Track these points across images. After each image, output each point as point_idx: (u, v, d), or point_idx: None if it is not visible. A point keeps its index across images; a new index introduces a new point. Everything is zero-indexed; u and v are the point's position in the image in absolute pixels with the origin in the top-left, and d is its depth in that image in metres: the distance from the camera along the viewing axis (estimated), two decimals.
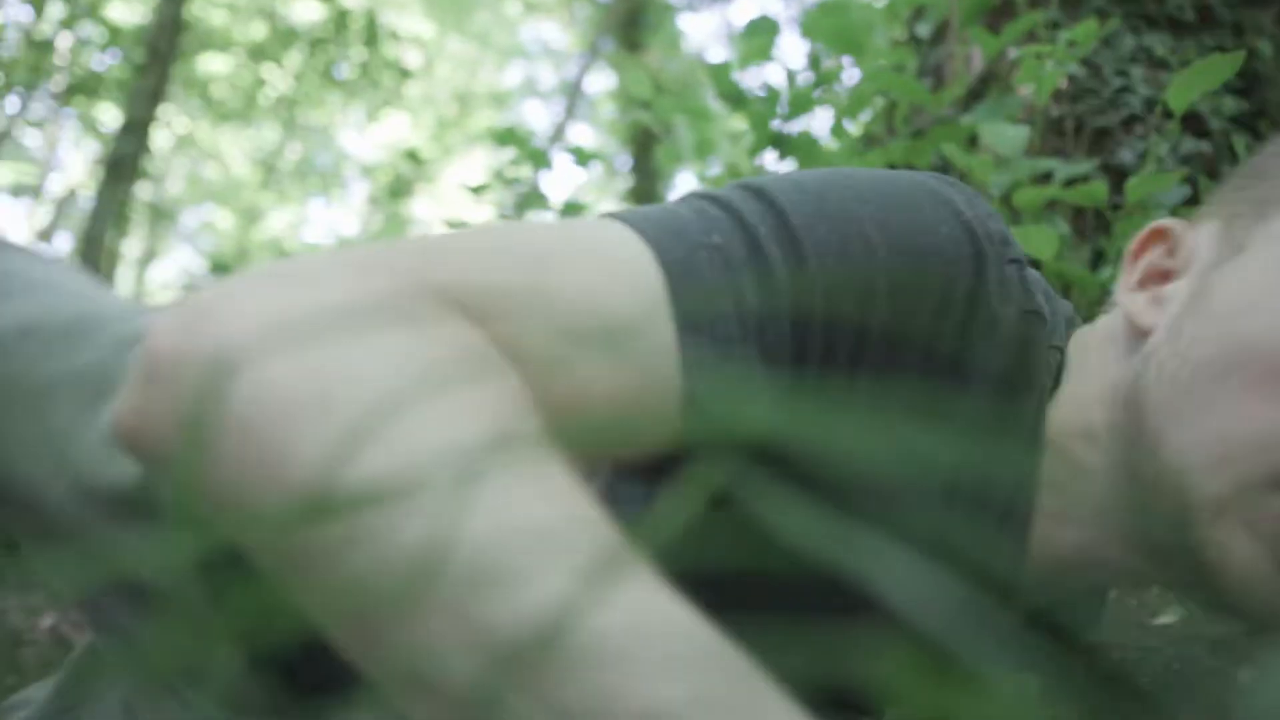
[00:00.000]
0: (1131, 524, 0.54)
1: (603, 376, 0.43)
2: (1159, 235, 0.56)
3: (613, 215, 0.48)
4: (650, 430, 0.45)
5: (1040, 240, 1.15)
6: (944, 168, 1.60)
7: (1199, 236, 0.56)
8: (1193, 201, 1.27)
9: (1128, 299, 0.56)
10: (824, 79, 2.01)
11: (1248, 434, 0.48)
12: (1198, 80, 1.02)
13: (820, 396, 0.49)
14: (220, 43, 8.49)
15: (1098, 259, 1.39)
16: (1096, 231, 1.41)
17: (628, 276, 0.45)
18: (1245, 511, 0.48)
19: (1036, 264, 1.34)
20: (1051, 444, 0.57)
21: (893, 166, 1.52)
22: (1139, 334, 0.55)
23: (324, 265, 0.40)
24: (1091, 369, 0.57)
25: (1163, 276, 0.56)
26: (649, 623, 0.31)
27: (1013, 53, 1.74)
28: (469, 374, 0.37)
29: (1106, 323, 0.59)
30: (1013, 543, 0.56)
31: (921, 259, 0.48)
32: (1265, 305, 0.50)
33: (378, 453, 0.33)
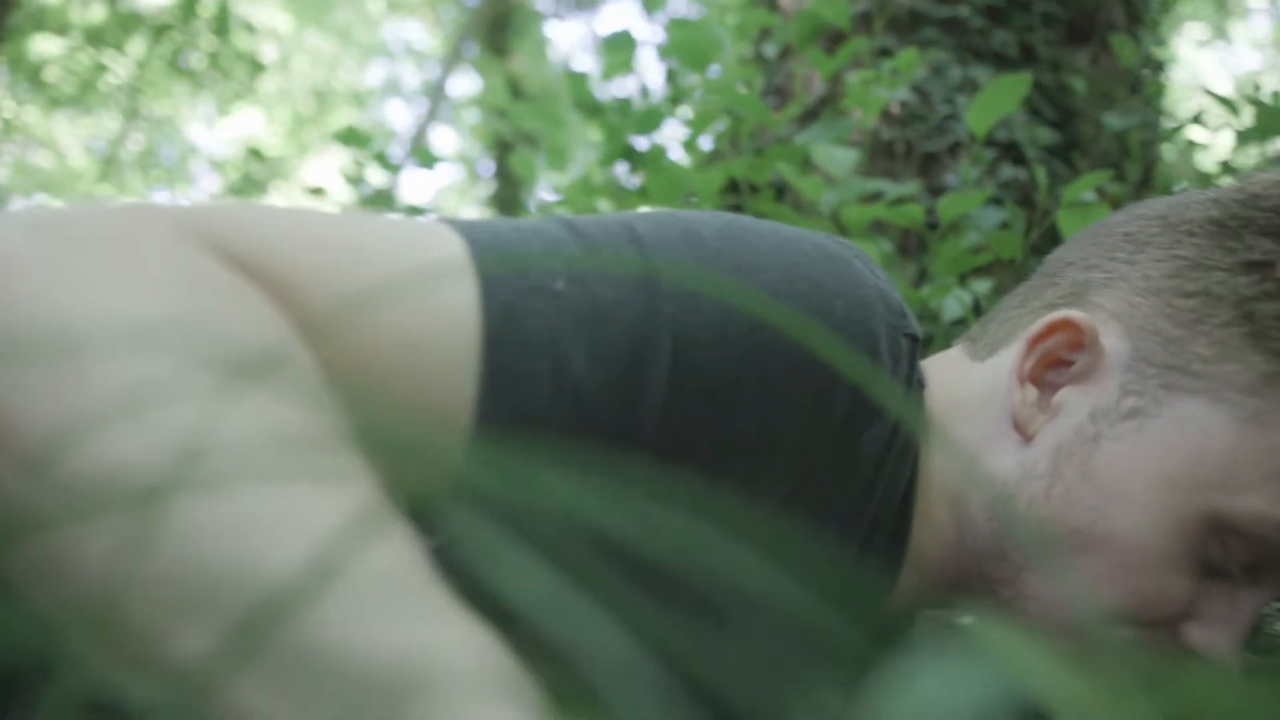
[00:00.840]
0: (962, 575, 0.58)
1: (388, 403, 0.41)
2: (1066, 326, 0.56)
3: (457, 227, 0.44)
4: (431, 456, 0.44)
5: None
6: (782, 185, 1.66)
7: (1108, 340, 0.56)
8: (1006, 226, 1.35)
9: (1018, 392, 0.56)
10: (678, 95, 2.05)
11: (1088, 605, 0.52)
12: (993, 103, 1.10)
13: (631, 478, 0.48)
14: (54, 24, 7.99)
15: (921, 276, 1.47)
16: (921, 251, 1.49)
17: (442, 314, 0.42)
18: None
19: None
20: (920, 500, 0.58)
21: (734, 182, 1.57)
22: (1019, 431, 0.56)
23: (104, 212, 0.37)
24: (964, 437, 0.58)
25: (1060, 364, 0.57)
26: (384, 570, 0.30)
27: (852, 77, 1.82)
28: (223, 297, 0.35)
29: (980, 383, 0.59)
30: (883, 578, 0.58)
31: (810, 344, 0.46)
32: (1140, 500, 0.52)
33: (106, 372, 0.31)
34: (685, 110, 1.97)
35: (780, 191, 1.65)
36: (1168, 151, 2.46)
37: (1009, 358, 0.59)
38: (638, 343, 0.44)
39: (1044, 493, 0.54)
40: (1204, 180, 2.44)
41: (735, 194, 1.50)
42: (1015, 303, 0.63)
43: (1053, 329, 0.57)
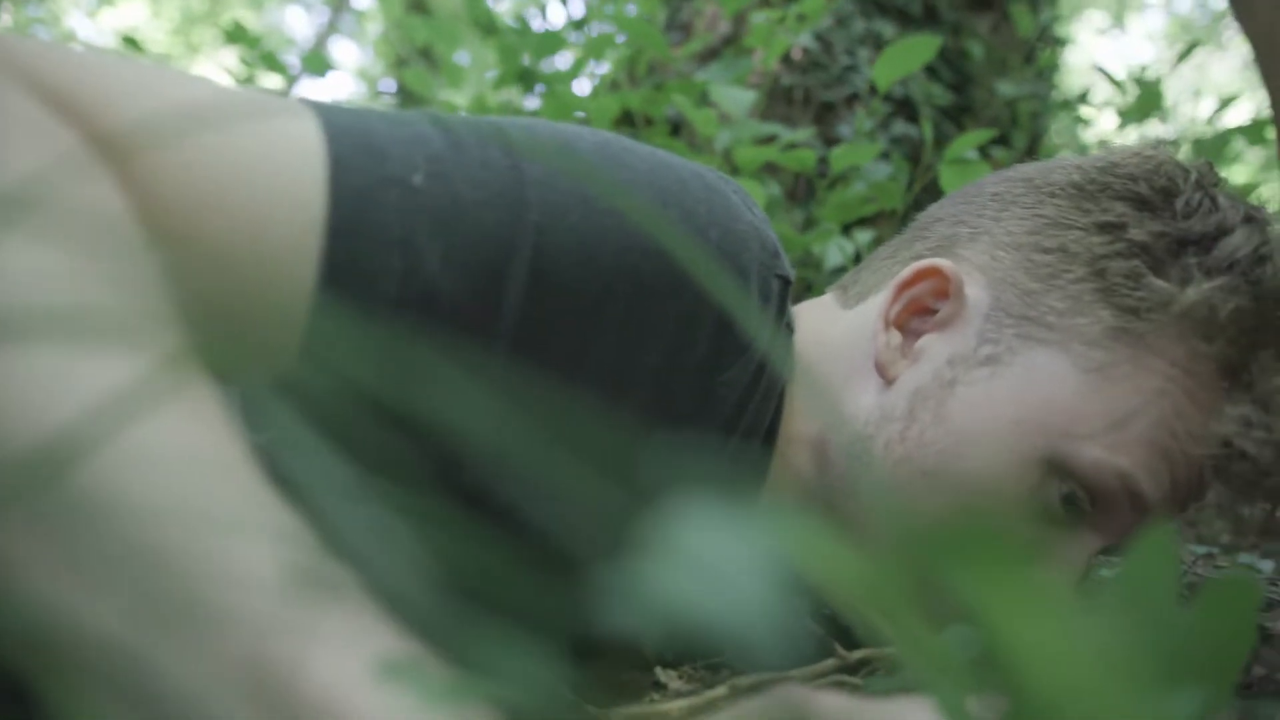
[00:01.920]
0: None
1: (221, 269, 0.38)
2: (933, 274, 0.58)
3: (313, 106, 0.42)
4: (268, 343, 0.41)
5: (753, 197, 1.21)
6: (677, 122, 1.64)
7: (971, 290, 0.58)
8: (894, 178, 1.36)
9: (882, 336, 0.58)
10: (580, 22, 2.00)
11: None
12: (899, 59, 1.10)
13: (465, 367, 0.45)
14: None
15: (807, 224, 1.47)
16: (809, 198, 1.50)
17: (287, 181, 0.39)
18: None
19: None
20: (781, 439, 0.58)
21: (629, 113, 1.54)
22: (881, 374, 0.57)
23: None
24: (828, 378, 0.59)
25: (924, 312, 0.58)
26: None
27: (758, 18, 1.80)
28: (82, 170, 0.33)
29: (848, 328, 0.60)
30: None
31: (680, 268, 0.45)
32: (988, 444, 0.53)
33: None
34: (584, 37, 1.92)
35: (676, 128, 1.62)
36: (1055, 124, 2.54)
37: (876, 304, 0.60)
38: (497, 250, 0.42)
39: (899, 435, 0.56)
40: (1084, 154, 2.52)
41: (630, 126, 1.47)
42: (886, 254, 0.64)
43: (920, 276, 0.58)
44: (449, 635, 0.20)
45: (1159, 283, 0.55)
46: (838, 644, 0.61)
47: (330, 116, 0.41)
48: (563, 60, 1.82)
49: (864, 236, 1.30)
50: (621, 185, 0.45)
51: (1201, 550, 1.00)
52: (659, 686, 0.60)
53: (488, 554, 0.23)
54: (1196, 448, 0.54)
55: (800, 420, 0.59)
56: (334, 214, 0.39)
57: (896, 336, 0.58)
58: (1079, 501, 0.54)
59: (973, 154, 1.15)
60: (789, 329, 0.58)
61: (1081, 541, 0.56)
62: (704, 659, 0.62)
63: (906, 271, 0.58)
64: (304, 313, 0.40)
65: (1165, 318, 0.54)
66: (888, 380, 0.57)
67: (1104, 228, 0.57)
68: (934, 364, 0.56)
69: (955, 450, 0.54)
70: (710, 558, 0.14)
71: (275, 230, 0.39)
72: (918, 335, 0.58)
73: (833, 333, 0.61)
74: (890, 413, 0.56)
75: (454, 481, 0.42)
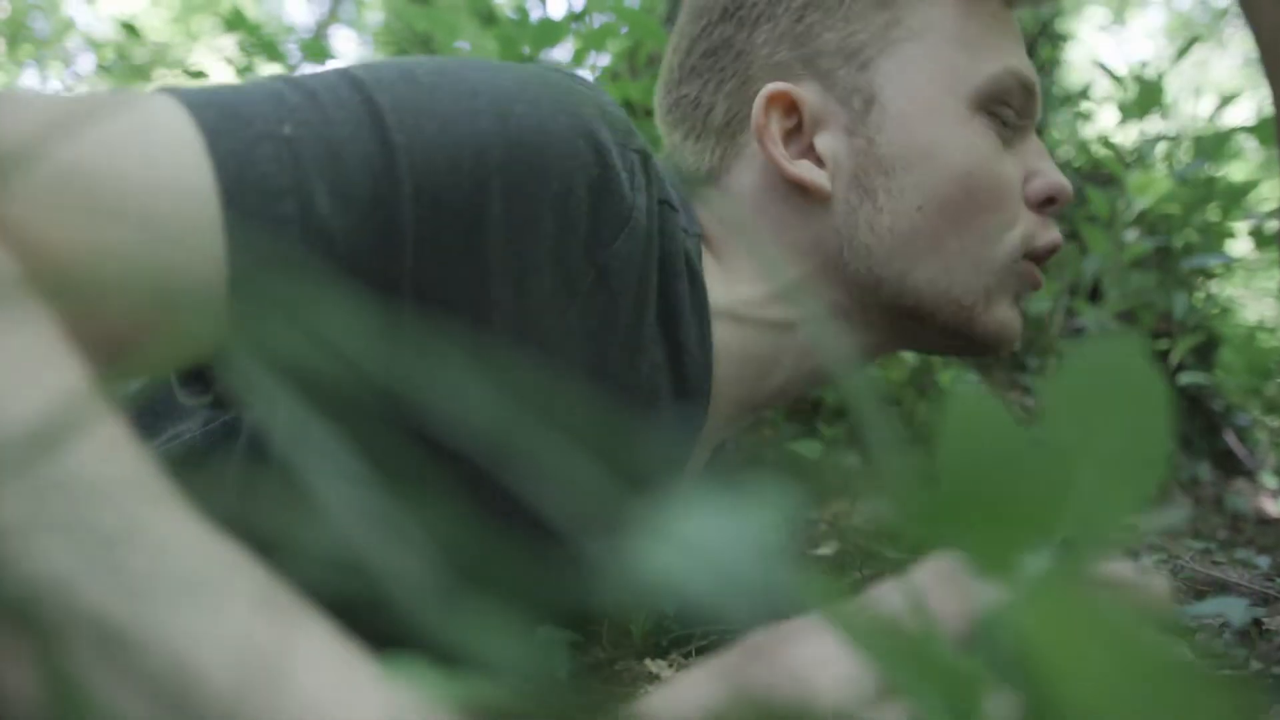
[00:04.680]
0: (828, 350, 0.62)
1: (129, 256, 0.38)
2: (777, 99, 0.62)
3: (169, 91, 0.42)
4: (185, 329, 0.40)
5: None
6: None
7: (809, 95, 0.62)
8: None
9: (792, 167, 0.62)
10: (580, 13, 1.99)
11: (988, 251, 0.61)
12: None
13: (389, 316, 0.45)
14: None
15: None
16: None
17: (168, 163, 0.39)
18: (1005, 288, 0.63)
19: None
20: (729, 316, 0.61)
21: (630, 104, 1.53)
22: (814, 197, 0.62)
23: None
24: (767, 235, 0.63)
25: (795, 132, 0.63)
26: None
27: None
28: None
29: (749, 188, 0.64)
30: (689, 416, 0.59)
31: (540, 153, 0.47)
32: (935, 141, 0.60)
33: None
34: (584, 28, 1.91)
35: None
36: (1056, 118, 2.53)
37: (751, 161, 0.64)
38: (378, 177, 0.43)
39: (874, 213, 0.61)
40: (1084, 149, 2.52)
41: (630, 117, 1.47)
42: (680, 136, 0.68)
43: (765, 112, 0.62)
44: (449, 622, 0.20)
45: None
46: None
47: (185, 95, 0.42)
48: (563, 51, 1.81)
49: None
50: (465, 93, 0.46)
51: (1198, 545, 1.00)
52: (651, 677, 0.59)
53: (480, 530, 0.23)
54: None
55: (744, 285, 0.62)
56: (221, 177, 0.40)
57: (803, 162, 0.62)
58: (1008, 116, 0.63)
59: None
60: (670, 206, 0.58)
61: (1033, 142, 0.65)
62: (688, 635, 0.62)
63: (755, 119, 0.62)
64: (224, 284, 0.40)
65: None
66: (824, 197, 0.62)
67: None
68: (842, 147, 0.62)
69: (921, 169, 0.60)
70: (700, 538, 0.13)
71: (171, 214, 0.39)
72: (811, 149, 0.63)
73: (727, 207, 0.64)
74: (853, 211, 0.61)
75: (432, 448, 0.42)
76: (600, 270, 0.51)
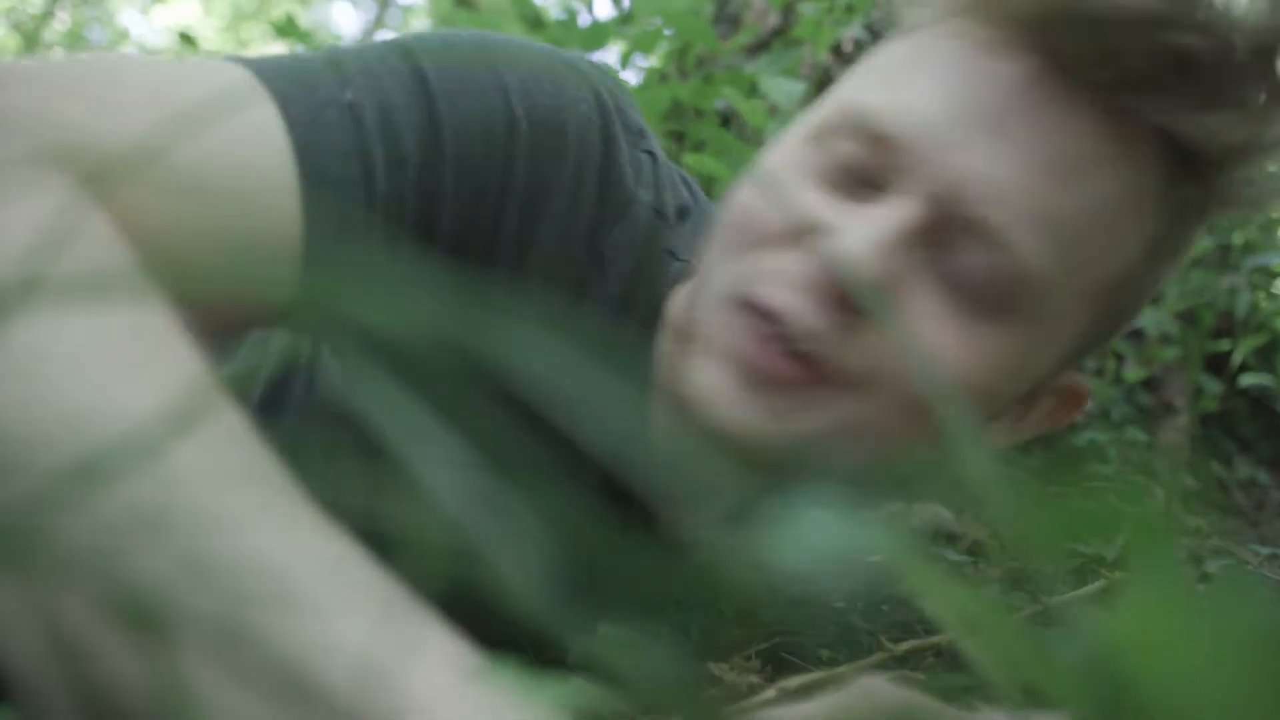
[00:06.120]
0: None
1: (220, 230, 0.40)
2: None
3: (239, 61, 0.44)
4: (267, 289, 0.43)
5: None
6: (727, 114, 1.63)
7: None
8: None
9: None
10: (628, 16, 2.00)
11: (712, 283, 0.47)
12: None
13: (447, 279, 0.46)
14: None
15: None
16: None
17: (249, 130, 0.41)
18: (706, 337, 0.46)
19: None
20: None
21: (679, 104, 1.53)
22: None
23: None
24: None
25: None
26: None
27: (806, 9, 1.78)
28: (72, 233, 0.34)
29: None
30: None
31: (560, 131, 0.48)
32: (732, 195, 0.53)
33: None
34: (633, 31, 1.92)
35: (726, 120, 1.62)
36: None
37: None
38: (426, 144, 0.45)
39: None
40: None
41: (679, 118, 1.47)
42: None
43: None
44: (572, 625, 0.20)
45: None
46: (883, 638, 0.60)
47: (252, 64, 0.44)
48: (610, 54, 1.82)
49: None
50: (500, 66, 0.48)
51: (1266, 551, 0.97)
52: (713, 680, 0.59)
53: (592, 517, 0.23)
54: None
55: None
56: (295, 139, 0.42)
57: None
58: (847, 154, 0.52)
59: None
60: (681, 215, 0.56)
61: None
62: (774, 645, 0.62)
63: None
64: (299, 243, 0.42)
65: None
66: None
67: None
68: None
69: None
70: (812, 537, 0.14)
71: (253, 168, 0.41)
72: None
73: None
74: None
75: (525, 423, 0.43)
76: (597, 258, 0.51)
